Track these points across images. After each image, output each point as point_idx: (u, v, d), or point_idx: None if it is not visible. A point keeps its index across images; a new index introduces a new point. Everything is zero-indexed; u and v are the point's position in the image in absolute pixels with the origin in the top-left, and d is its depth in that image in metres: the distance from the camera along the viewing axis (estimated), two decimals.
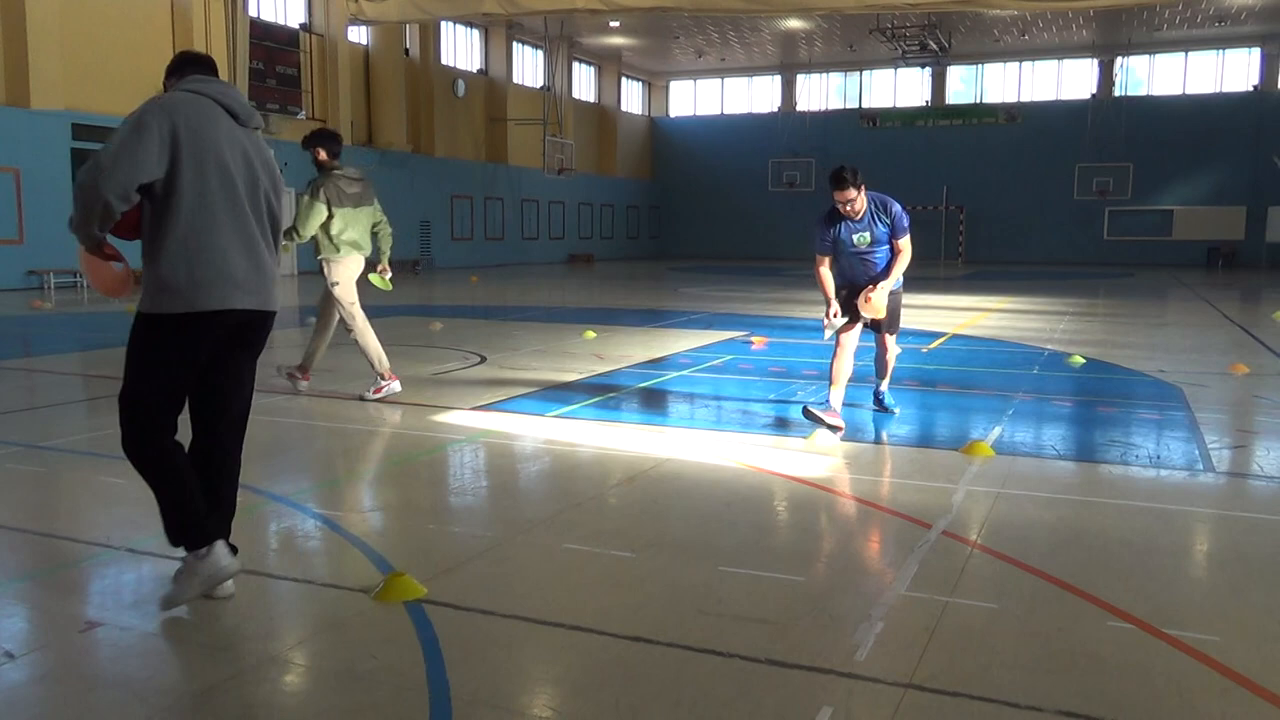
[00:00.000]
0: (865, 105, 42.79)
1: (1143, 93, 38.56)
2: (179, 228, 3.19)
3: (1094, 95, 38.57)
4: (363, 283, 7.35)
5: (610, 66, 41.74)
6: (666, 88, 46.54)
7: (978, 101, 41.15)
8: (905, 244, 6.51)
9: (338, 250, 7.15)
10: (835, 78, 43.12)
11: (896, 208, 6.46)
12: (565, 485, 5.16)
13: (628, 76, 43.74)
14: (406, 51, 30.26)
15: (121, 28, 21.73)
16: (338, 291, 7.21)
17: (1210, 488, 5.18)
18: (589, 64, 40.96)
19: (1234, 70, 37.54)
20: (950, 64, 39.53)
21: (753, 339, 11.54)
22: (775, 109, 43.91)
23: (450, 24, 31.97)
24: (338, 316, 7.42)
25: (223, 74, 17.47)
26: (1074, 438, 6.52)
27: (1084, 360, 9.75)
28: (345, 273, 7.21)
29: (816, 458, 5.64)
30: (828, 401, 6.36)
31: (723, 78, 45.03)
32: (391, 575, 3.52)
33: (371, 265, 7.49)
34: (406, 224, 30.25)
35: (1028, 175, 39.28)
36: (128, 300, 4.54)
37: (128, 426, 3.30)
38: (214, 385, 3.44)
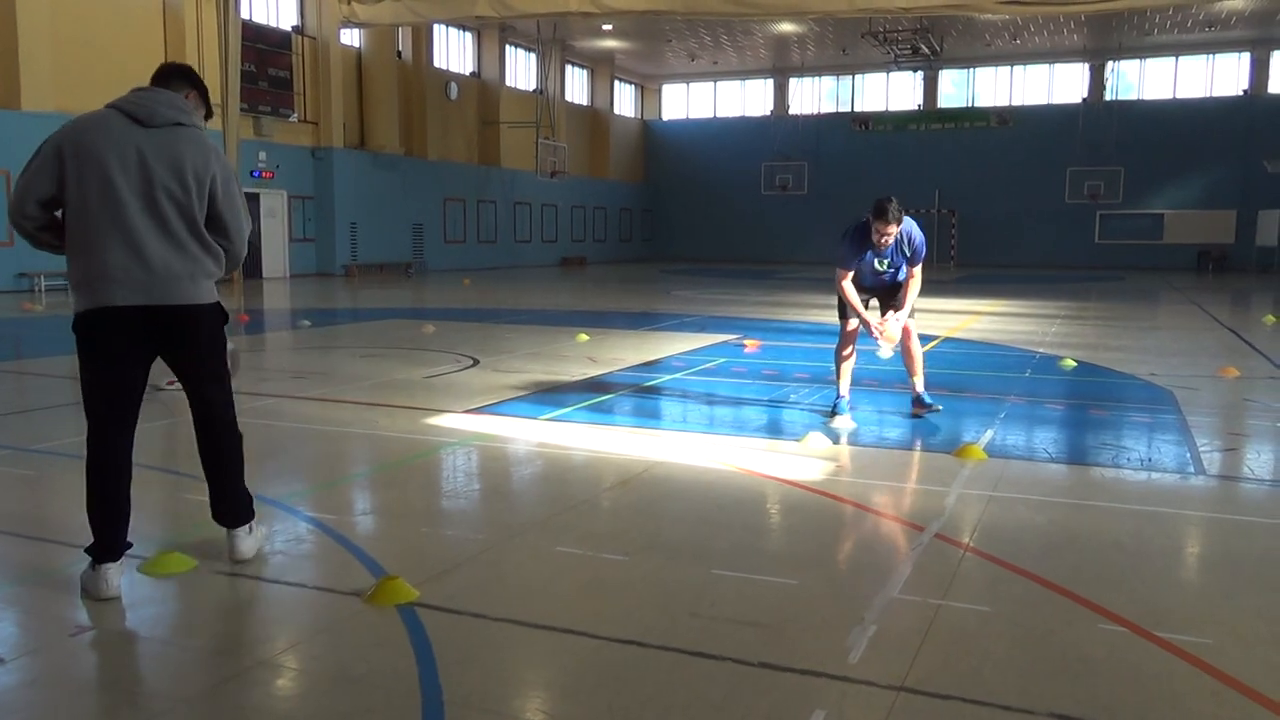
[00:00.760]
0: (857, 109, 42.85)
1: (1133, 97, 38.69)
2: (70, 234, 3.48)
3: (1085, 99, 38.70)
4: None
5: (603, 69, 41.76)
6: (659, 91, 46.57)
7: (969, 105, 41.23)
8: (918, 272, 6.77)
9: None
10: (827, 81, 43.18)
11: (919, 240, 6.65)
12: (558, 488, 5.15)
13: (620, 79, 43.76)
14: (399, 54, 30.22)
15: (113, 30, 21.67)
16: None
17: (1201, 491, 5.19)
18: (582, 67, 40.97)
19: (1224, 74, 37.70)
20: (942, 68, 39.64)
21: (746, 342, 11.54)
22: (768, 112, 43.96)
23: (443, 26, 31.92)
24: None
25: (214, 76, 17.30)
26: (1066, 441, 6.54)
27: (1075, 363, 9.78)
28: None
29: (809, 461, 5.65)
30: (840, 398, 6.89)
31: (715, 81, 45.06)
32: (384, 579, 3.52)
33: None
34: (399, 227, 30.23)
35: (1019, 179, 39.38)
36: None
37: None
38: (184, 387, 3.75)
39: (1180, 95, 38.14)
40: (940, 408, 6.88)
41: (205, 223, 3.57)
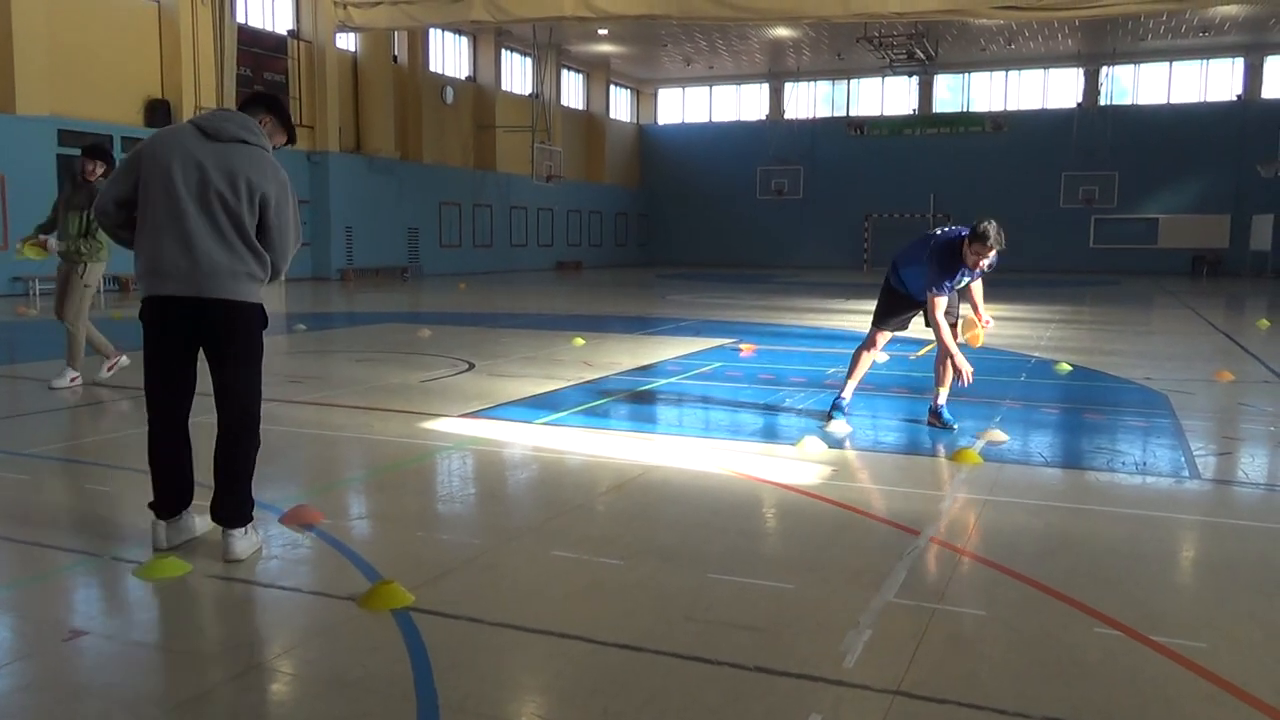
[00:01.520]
0: (853, 113, 42.92)
1: (1128, 102, 38.81)
2: (137, 231, 3.91)
3: (1080, 104, 38.80)
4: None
5: (599, 74, 41.80)
6: (655, 95, 46.61)
7: (964, 110, 41.32)
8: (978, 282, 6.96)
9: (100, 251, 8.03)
10: (823, 86, 43.24)
11: (992, 258, 6.48)
12: (553, 492, 5.15)
13: (616, 84, 43.79)
14: (395, 58, 30.22)
15: (108, 34, 21.65)
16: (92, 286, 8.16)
17: (1196, 494, 5.20)
18: (577, 71, 41.00)
19: (1218, 80, 37.82)
20: (937, 73, 39.71)
21: (741, 346, 11.55)
22: (763, 117, 44.02)
23: (438, 31, 31.92)
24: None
25: (209, 81, 17.33)
26: (1061, 445, 6.55)
27: (1071, 368, 9.80)
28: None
29: (805, 465, 5.65)
30: (841, 399, 6.93)
31: (711, 85, 45.12)
32: (379, 583, 3.51)
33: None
34: (394, 231, 30.20)
35: (1014, 184, 39.45)
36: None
37: None
38: (213, 381, 3.97)
39: (1174, 100, 38.26)
40: (955, 428, 6.66)
41: (256, 233, 3.90)
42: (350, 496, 5.12)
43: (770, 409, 7.55)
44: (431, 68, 32.19)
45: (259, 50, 24.85)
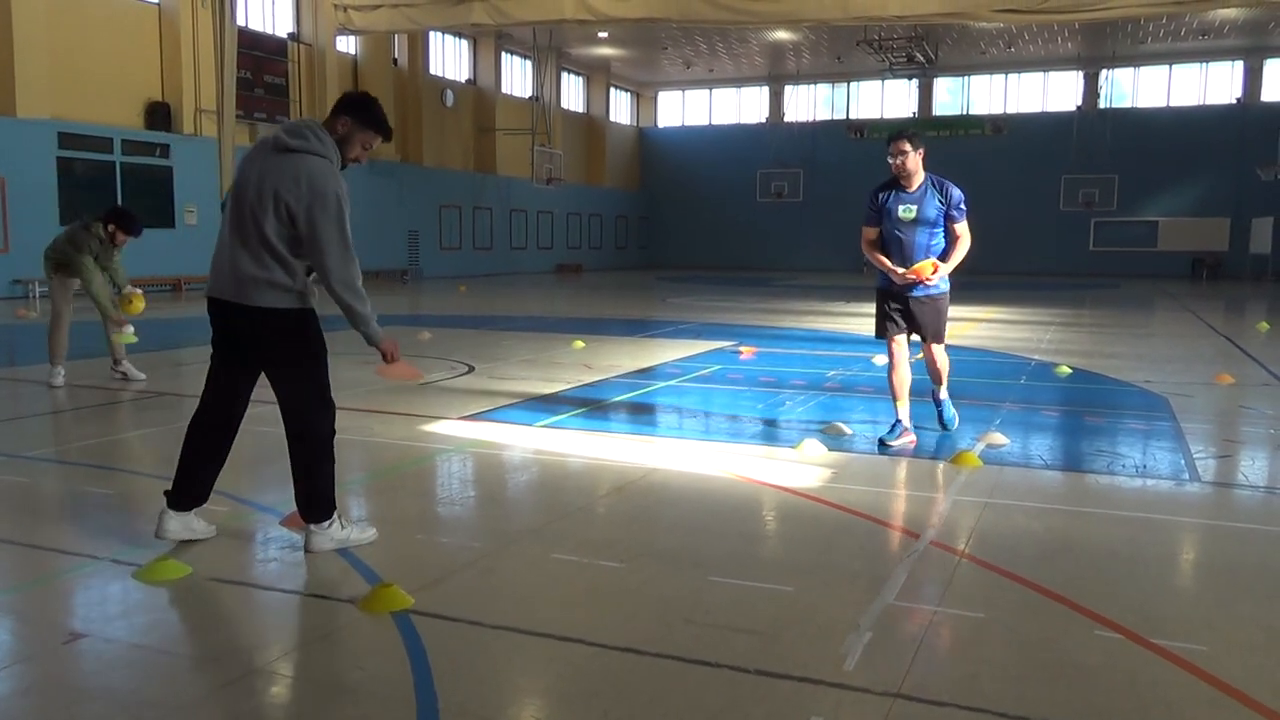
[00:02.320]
0: (852, 116, 42.96)
1: (1127, 105, 38.84)
2: None
3: (1079, 107, 38.83)
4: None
5: (599, 77, 41.82)
6: (655, 98, 46.64)
7: (964, 113, 41.36)
8: (963, 229, 6.28)
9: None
10: (823, 89, 43.28)
11: (956, 192, 6.21)
12: (553, 495, 5.15)
13: (616, 87, 43.82)
14: (395, 61, 30.25)
15: (108, 37, 21.66)
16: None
17: (1196, 497, 5.20)
18: (577, 74, 41.02)
19: (1217, 83, 37.86)
20: (937, 76, 39.75)
21: (741, 349, 11.55)
22: (763, 120, 44.05)
23: (439, 34, 31.95)
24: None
25: (209, 84, 17.31)
26: (1061, 448, 6.55)
27: (1070, 370, 9.80)
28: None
29: (805, 468, 5.64)
30: (898, 422, 6.27)
31: (711, 88, 45.15)
32: (379, 586, 3.51)
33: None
34: (394, 234, 30.20)
35: (1014, 187, 39.46)
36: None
37: None
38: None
39: (1174, 103, 38.30)
40: (954, 429, 6.65)
41: (293, 244, 3.92)
42: (351, 499, 5.11)
43: (770, 412, 7.55)
44: (432, 71, 32.21)
45: (259, 53, 24.85)
